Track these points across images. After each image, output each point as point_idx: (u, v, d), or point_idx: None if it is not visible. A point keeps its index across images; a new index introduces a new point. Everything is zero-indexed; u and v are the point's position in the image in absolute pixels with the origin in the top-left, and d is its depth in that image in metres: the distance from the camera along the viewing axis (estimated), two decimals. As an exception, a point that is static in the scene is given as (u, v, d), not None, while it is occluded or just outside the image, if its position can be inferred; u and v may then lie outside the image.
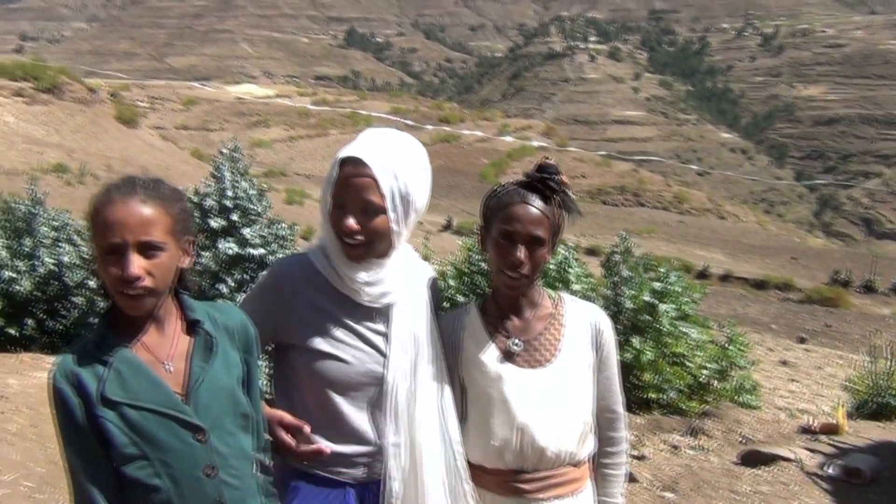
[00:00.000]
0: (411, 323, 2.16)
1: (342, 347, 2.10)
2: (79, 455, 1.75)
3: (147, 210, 1.75)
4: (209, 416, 1.81)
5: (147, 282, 1.73)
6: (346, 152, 2.06)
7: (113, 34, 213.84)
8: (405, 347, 2.13)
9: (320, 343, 2.10)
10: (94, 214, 1.76)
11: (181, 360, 1.83)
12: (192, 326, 1.88)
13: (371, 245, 2.09)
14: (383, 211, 2.05)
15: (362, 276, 2.11)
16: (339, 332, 2.11)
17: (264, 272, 2.28)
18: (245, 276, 8.06)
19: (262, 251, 8.27)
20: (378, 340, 2.14)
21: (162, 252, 1.76)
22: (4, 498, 4.39)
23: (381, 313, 2.16)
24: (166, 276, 1.79)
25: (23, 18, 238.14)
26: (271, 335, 2.15)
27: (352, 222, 2.04)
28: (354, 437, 2.11)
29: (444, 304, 2.36)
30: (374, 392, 2.12)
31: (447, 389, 2.17)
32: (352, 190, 2.04)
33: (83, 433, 1.73)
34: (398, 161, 2.07)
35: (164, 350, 1.82)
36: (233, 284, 7.83)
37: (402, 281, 2.17)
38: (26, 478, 4.66)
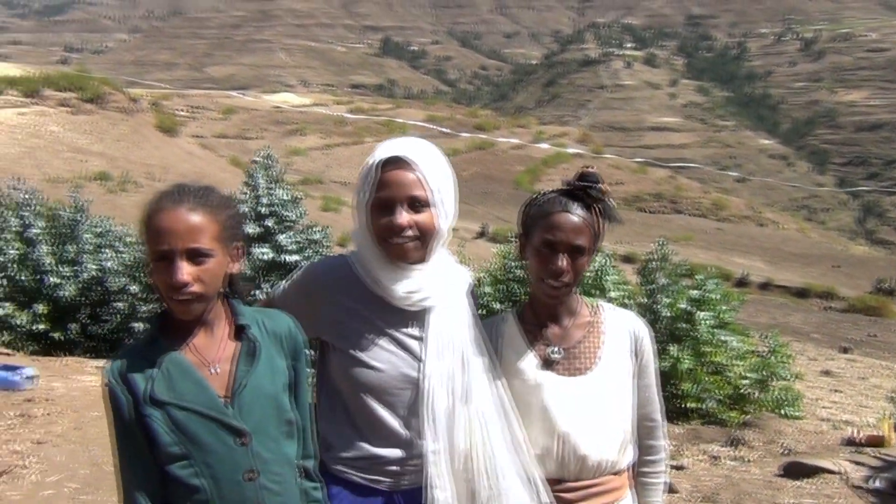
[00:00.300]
0: (449, 327, 2.14)
1: (375, 351, 2.09)
2: (127, 451, 1.80)
3: (195, 218, 1.79)
4: (251, 420, 1.83)
5: (195, 287, 1.78)
6: (385, 154, 2.06)
7: (154, 45, 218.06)
8: (441, 352, 2.11)
9: (354, 347, 2.09)
10: (145, 221, 1.81)
11: (227, 363, 1.86)
12: (239, 331, 1.91)
13: (423, 241, 2.07)
14: (431, 206, 2.06)
15: (403, 284, 2.10)
16: (372, 336, 2.10)
17: (299, 271, 2.26)
18: (280, 281, 8.16)
19: (296, 257, 8.36)
20: (413, 345, 2.12)
21: (210, 258, 1.80)
22: (49, 498, 4.49)
23: (418, 317, 2.14)
24: (214, 281, 1.83)
25: (67, 30, 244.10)
26: (311, 333, 2.13)
27: (403, 218, 2.03)
28: (393, 441, 2.09)
29: (480, 311, 2.33)
30: (411, 397, 2.10)
31: (504, 393, 2.14)
32: (399, 187, 2.04)
33: (131, 431, 1.79)
34: (436, 162, 2.10)
35: (211, 353, 1.86)
36: (268, 290, 7.92)
37: (441, 285, 2.16)
38: (70, 479, 4.76)
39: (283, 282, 2.27)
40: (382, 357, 2.09)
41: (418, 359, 2.11)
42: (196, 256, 1.78)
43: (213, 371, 1.84)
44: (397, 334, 2.12)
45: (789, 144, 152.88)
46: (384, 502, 2.10)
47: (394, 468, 2.10)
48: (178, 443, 1.77)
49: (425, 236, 2.07)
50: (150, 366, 1.80)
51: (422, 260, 2.11)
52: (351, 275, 2.15)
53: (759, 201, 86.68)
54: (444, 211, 2.09)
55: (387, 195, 2.05)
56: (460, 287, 2.23)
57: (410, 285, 2.10)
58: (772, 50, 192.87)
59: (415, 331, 2.14)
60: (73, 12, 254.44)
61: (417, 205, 2.05)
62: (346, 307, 2.12)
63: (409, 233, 2.05)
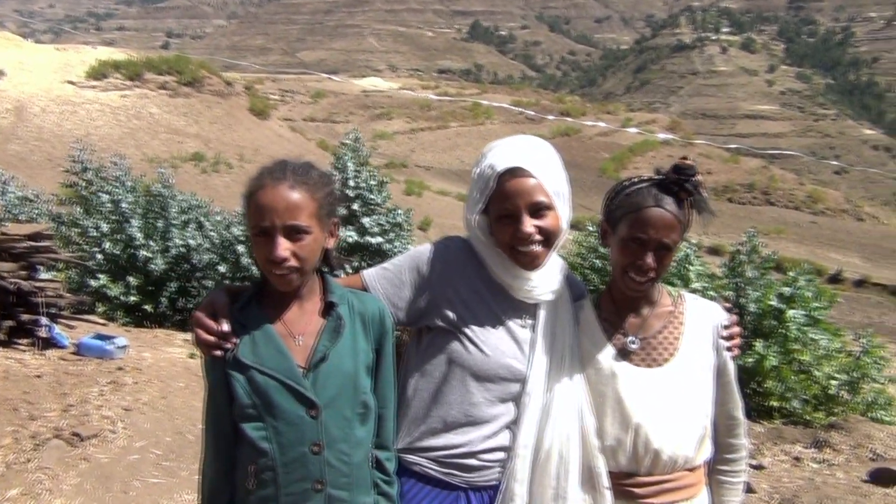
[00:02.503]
0: (556, 322, 2.13)
1: (487, 335, 2.08)
2: (211, 407, 1.93)
3: (295, 195, 1.86)
4: (325, 394, 1.88)
5: (293, 262, 1.85)
6: (503, 164, 2.03)
7: (250, 30, 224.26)
8: (548, 348, 2.10)
9: (467, 327, 2.08)
10: (248, 197, 1.89)
11: (312, 336, 1.93)
12: (329, 308, 1.97)
13: (547, 244, 2.06)
14: (553, 209, 2.04)
15: (528, 282, 2.09)
16: (486, 320, 2.09)
17: (419, 247, 2.23)
18: (363, 263, 8.27)
19: (379, 239, 8.48)
20: (522, 335, 2.11)
21: (308, 235, 1.87)
22: (135, 463, 4.71)
23: (529, 309, 2.13)
24: (311, 257, 1.90)
25: (169, 17, 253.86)
26: (417, 312, 2.12)
27: (529, 227, 2.01)
28: (481, 431, 2.07)
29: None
30: (510, 388, 2.08)
31: (584, 386, 2.11)
32: (520, 196, 2.02)
33: (218, 389, 1.90)
34: (551, 162, 2.07)
35: (299, 325, 1.93)
36: (350, 272, 8.06)
37: (557, 281, 2.15)
38: (155, 445, 4.98)
39: (383, 264, 2.24)
40: (491, 342, 2.08)
41: (524, 352, 2.10)
42: (295, 233, 1.85)
43: (298, 342, 1.91)
44: (510, 323, 2.11)
45: (895, 135, 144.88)
46: (455, 500, 2.08)
47: (473, 461, 2.07)
48: (254, 405, 1.85)
49: (550, 239, 2.06)
50: (241, 329, 1.88)
51: (543, 263, 2.08)
52: (472, 256, 2.14)
53: (858, 194, 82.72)
54: (564, 210, 2.07)
55: (510, 206, 2.02)
56: (562, 278, 2.20)
57: (533, 283, 2.10)
58: (880, 35, 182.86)
59: (526, 322, 2.13)
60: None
61: (540, 210, 2.03)
62: (463, 286, 2.11)
63: (536, 238, 2.03)
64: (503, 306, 2.11)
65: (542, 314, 2.12)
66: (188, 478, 4.61)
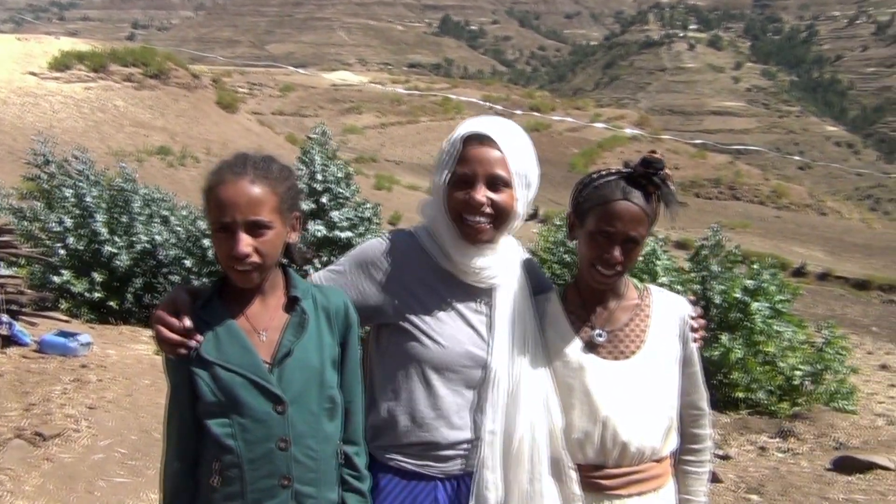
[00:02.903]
0: (513, 305, 2.11)
1: (440, 326, 2.06)
2: (174, 405, 1.89)
3: (256, 190, 1.83)
4: (291, 389, 1.87)
5: (255, 258, 1.83)
6: (470, 129, 2.03)
7: (218, 22, 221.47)
8: (507, 331, 2.08)
9: (418, 320, 2.06)
10: (207, 192, 1.86)
11: (276, 332, 1.91)
12: (293, 303, 1.95)
13: (496, 222, 2.03)
14: (510, 186, 2.01)
15: (478, 261, 2.06)
16: (438, 310, 2.07)
17: (363, 245, 2.21)
18: (332, 257, 8.23)
19: (349, 234, 8.43)
20: (479, 322, 2.09)
21: (269, 230, 1.85)
22: (100, 462, 4.63)
23: (483, 294, 2.11)
24: (273, 252, 1.88)
25: (135, 7, 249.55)
26: (368, 310, 2.10)
27: (481, 196, 1.99)
28: (450, 421, 2.06)
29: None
30: (473, 376, 2.07)
31: (549, 374, 2.11)
32: (480, 164, 2.00)
33: (180, 386, 1.87)
34: (521, 144, 2.05)
35: (262, 320, 1.91)
36: (319, 266, 8.00)
37: (509, 264, 2.13)
38: (120, 444, 4.91)
39: (332, 265, 2.22)
40: (446, 332, 2.06)
41: (483, 337, 2.08)
42: (256, 228, 1.83)
43: (262, 338, 1.89)
44: (464, 310, 2.09)
45: (857, 132, 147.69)
46: (433, 490, 2.07)
47: (446, 452, 2.07)
48: (219, 402, 1.83)
49: (500, 217, 2.03)
50: (203, 326, 1.86)
51: (491, 241, 2.07)
52: (417, 248, 2.12)
53: (821, 190, 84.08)
54: (524, 195, 2.05)
55: (469, 171, 2.01)
56: (519, 264, 2.19)
57: (483, 262, 2.07)
58: (843, 34, 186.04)
59: (481, 308, 2.11)
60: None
61: (498, 184, 2.01)
62: (412, 279, 2.09)
63: (487, 210, 2.01)
64: (455, 293, 2.09)
65: (497, 297, 2.10)
66: (154, 476, 4.54)
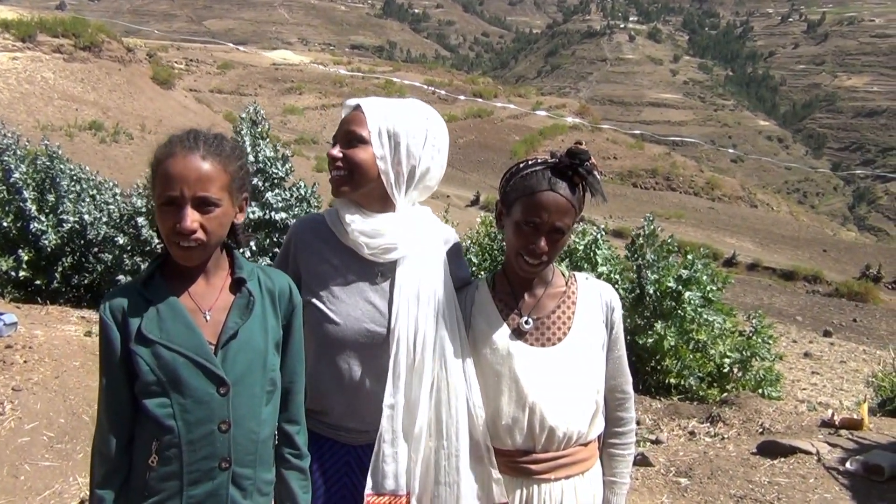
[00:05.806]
0: (419, 280, 2.12)
1: (337, 304, 2.11)
2: (108, 383, 1.84)
3: (206, 166, 1.81)
4: (235, 371, 1.84)
5: (200, 235, 1.80)
6: (351, 101, 2.18)
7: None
8: (408, 305, 2.09)
9: (319, 299, 2.11)
10: (155, 165, 1.82)
11: (221, 312, 1.88)
12: (238, 284, 1.92)
13: (352, 177, 2.11)
14: (365, 143, 2.09)
15: (358, 222, 2.10)
16: (337, 289, 2.12)
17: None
18: (270, 239, 8.10)
19: (284, 215, 8.29)
20: (377, 299, 2.12)
21: (217, 208, 1.82)
22: (25, 445, 4.48)
23: (387, 272, 2.14)
24: (219, 230, 1.85)
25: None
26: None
27: (334, 151, 2.12)
28: (352, 396, 2.11)
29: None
30: (374, 351, 2.10)
31: (467, 355, 2.14)
32: (342, 125, 2.13)
33: (116, 364, 1.82)
34: (393, 108, 2.14)
35: (206, 300, 1.88)
36: (255, 248, 7.87)
37: (411, 238, 2.14)
38: (47, 427, 4.75)
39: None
40: (342, 310, 2.10)
41: (382, 313, 2.11)
42: (204, 205, 1.80)
43: (206, 318, 1.86)
44: (364, 287, 2.13)
45: (787, 127, 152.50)
46: (348, 452, 2.13)
47: (353, 424, 2.12)
48: (159, 382, 1.79)
49: (353, 171, 2.10)
50: (144, 304, 1.82)
51: (351, 193, 2.13)
52: (325, 228, 2.18)
53: (752, 182, 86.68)
54: (390, 151, 2.10)
55: (337, 132, 2.15)
56: (437, 244, 2.21)
57: (366, 230, 2.10)
58: (776, 30, 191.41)
59: (384, 285, 2.14)
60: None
61: (352, 140, 2.11)
62: (317, 259, 2.14)
63: (339, 164, 2.11)
64: (354, 270, 2.13)
65: (398, 271, 2.12)
66: (83, 460, 4.43)
